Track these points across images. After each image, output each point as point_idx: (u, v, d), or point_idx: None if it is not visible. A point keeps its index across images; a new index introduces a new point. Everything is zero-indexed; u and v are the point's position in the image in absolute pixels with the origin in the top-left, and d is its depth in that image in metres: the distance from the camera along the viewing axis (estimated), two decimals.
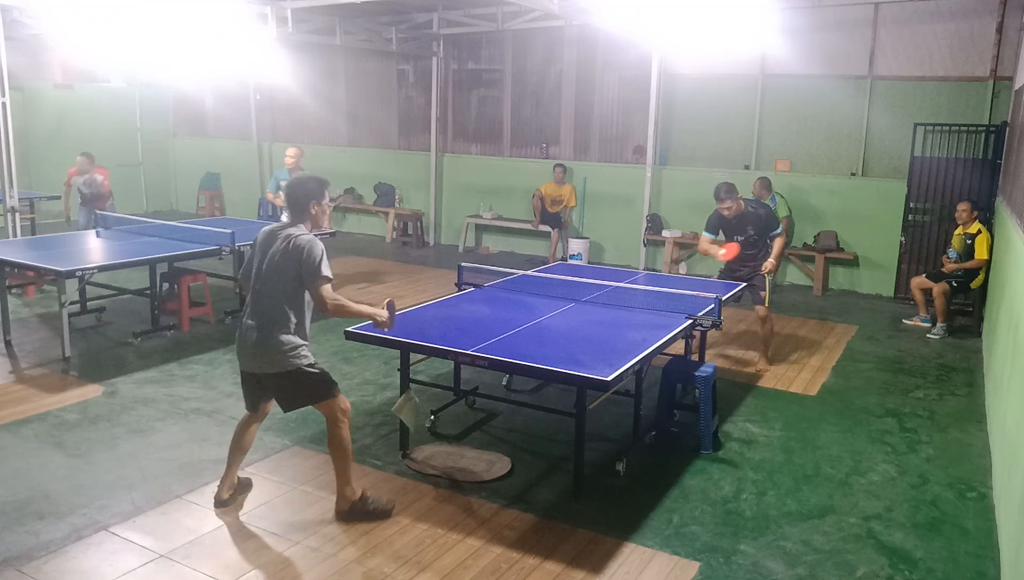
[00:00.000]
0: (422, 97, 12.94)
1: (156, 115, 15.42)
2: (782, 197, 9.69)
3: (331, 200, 4.07)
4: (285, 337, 3.73)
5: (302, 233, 3.78)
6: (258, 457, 4.67)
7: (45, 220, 12.19)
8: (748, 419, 5.53)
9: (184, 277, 7.39)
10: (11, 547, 3.66)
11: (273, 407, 4.03)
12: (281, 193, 8.94)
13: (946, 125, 9.00)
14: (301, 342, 3.79)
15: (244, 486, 4.19)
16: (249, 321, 3.80)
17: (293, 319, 3.76)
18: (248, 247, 4.01)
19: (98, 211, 9.02)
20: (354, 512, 3.96)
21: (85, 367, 6.26)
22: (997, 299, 6.57)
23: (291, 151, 8.99)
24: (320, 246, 3.76)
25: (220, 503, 4.06)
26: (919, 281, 8.21)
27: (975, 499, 4.45)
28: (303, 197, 3.85)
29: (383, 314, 3.90)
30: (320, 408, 3.89)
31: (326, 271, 3.73)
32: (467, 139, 12.75)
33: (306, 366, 3.79)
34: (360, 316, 3.89)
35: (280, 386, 3.83)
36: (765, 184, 9.64)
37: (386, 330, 3.99)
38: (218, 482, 4.11)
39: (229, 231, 7.33)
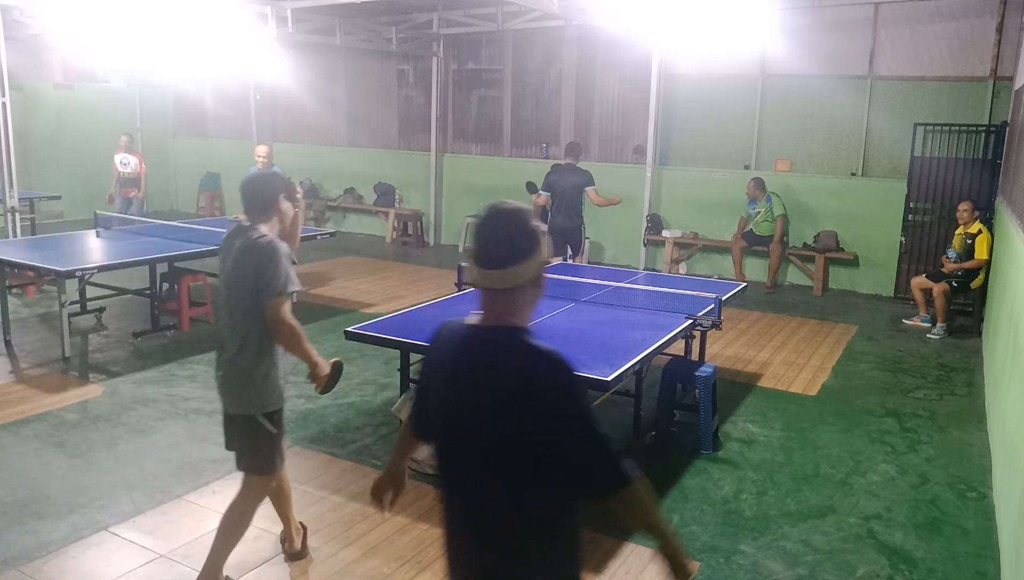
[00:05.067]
0: (422, 97, 12.94)
1: (156, 115, 15.42)
2: (777, 197, 9.69)
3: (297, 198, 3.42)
4: (248, 369, 3.14)
5: (261, 235, 3.15)
6: None
7: (45, 220, 12.21)
8: (748, 419, 5.53)
9: (184, 277, 7.39)
10: (11, 547, 3.66)
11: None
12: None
13: (946, 125, 9.00)
14: (269, 376, 3.19)
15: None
16: (220, 344, 3.25)
17: (260, 346, 3.14)
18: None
19: (130, 196, 10.71)
20: None
21: (85, 367, 6.26)
22: (997, 299, 6.57)
23: (261, 149, 8.78)
24: (282, 250, 3.12)
25: (294, 556, 3.63)
26: (919, 281, 8.21)
27: (975, 499, 4.45)
28: (270, 192, 3.23)
29: (325, 370, 3.27)
30: (245, 481, 3.29)
31: (285, 283, 3.08)
32: (467, 139, 12.75)
33: (263, 415, 3.20)
34: (305, 357, 3.19)
35: (232, 432, 3.29)
36: (759, 184, 9.65)
37: (317, 390, 3.32)
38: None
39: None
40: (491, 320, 1.87)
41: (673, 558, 1.92)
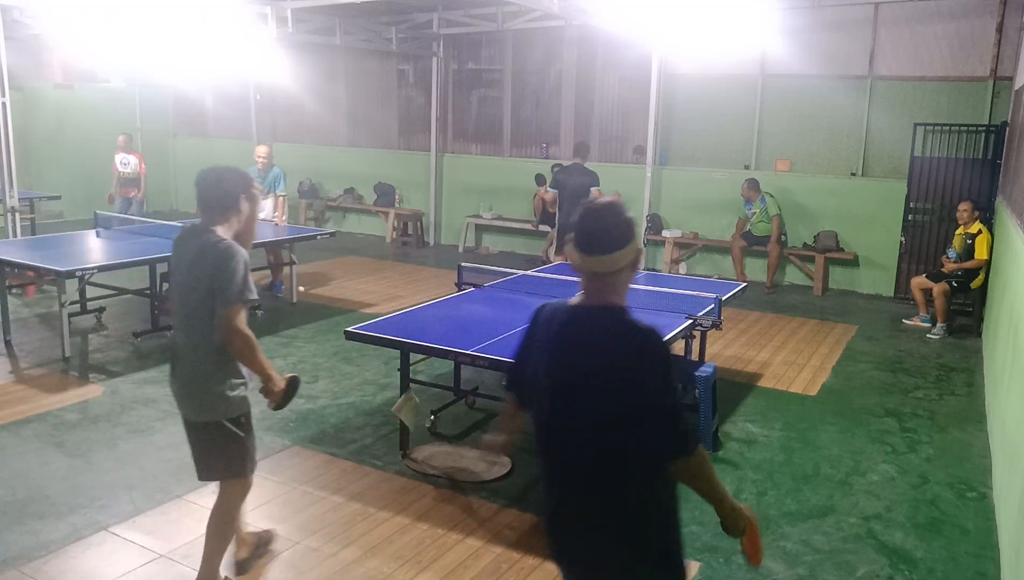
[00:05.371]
0: (422, 97, 12.94)
1: (156, 115, 15.42)
2: (772, 197, 9.69)
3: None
4: (208, 375, 3.04)
5: (220, 238, 3.00)
6: (258, 457, 4.67)
7: (45, 220, 12.21)
8: (748, 419, 5.53)
9: None
10: (11, 547, 3.67)
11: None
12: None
13: (946, 125, 9.00)
14: (231, 383, 3.08)
15: (263, 540, 3.71)
16: (174, 351, 3.17)
17: (219, 353, 3.02)
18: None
19: (130, 196, 10.69)
20: None
21: (85, 367, 6.26)
22: (997, 299, 6.57)
23: (261, 149, 8.68)
24: (241, 255, 2.98)
25: (237, 566, 3.54)
26: (919, 281, 8.21)
27: (975, 499, 4.45)
28: (232, 190, 3.04)
29: (279, 385, 3.13)
30: (223, 485, 3.23)
31: (242, 291, 2.93)
32: (467, 139, 12.75)
33: (229, 420, 3.11)
34: (259, 370, 3.07)
35: (197, 440, 3.19)
36: (753, 185, 9.65)
37: (270, 404, 3.16)
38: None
39: None
40: (593, 300, 2.09)
41: (728, 519, 2.25)
